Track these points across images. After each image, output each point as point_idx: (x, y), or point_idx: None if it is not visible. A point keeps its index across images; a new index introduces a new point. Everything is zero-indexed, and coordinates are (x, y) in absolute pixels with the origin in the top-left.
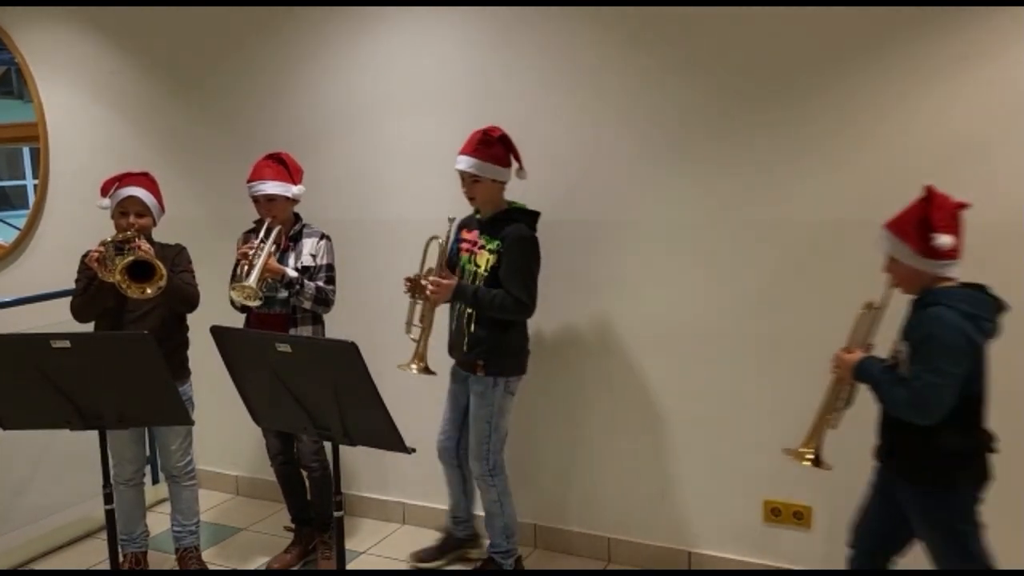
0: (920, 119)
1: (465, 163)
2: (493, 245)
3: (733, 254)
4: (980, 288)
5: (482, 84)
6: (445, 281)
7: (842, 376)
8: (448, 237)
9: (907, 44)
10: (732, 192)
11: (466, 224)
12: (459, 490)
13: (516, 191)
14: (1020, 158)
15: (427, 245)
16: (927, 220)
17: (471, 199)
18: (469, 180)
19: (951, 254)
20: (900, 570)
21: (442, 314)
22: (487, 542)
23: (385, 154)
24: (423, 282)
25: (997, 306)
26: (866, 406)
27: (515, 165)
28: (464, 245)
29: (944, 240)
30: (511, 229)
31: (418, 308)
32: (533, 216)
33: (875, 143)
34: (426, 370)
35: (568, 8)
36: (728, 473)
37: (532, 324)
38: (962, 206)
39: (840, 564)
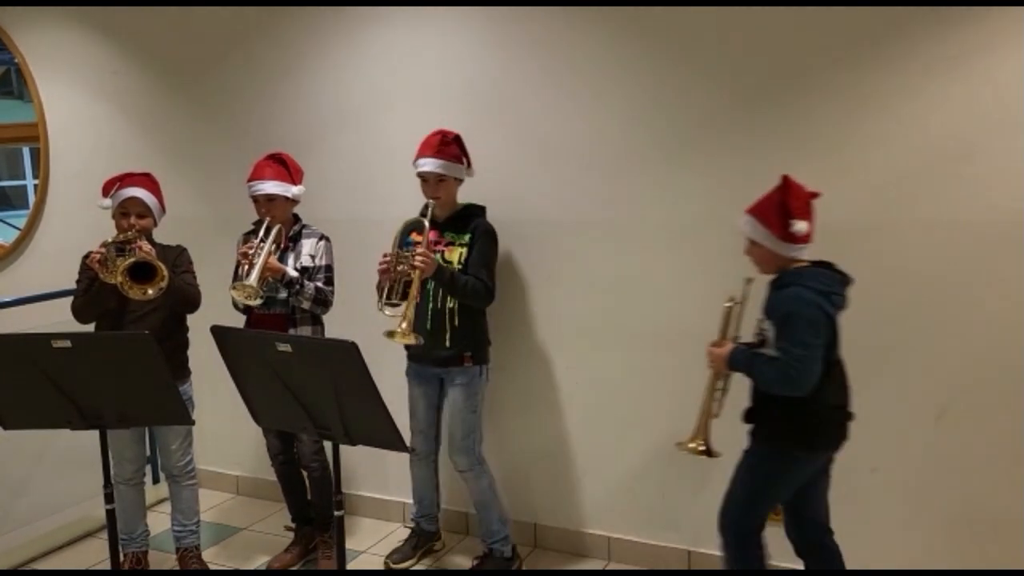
0: (916, 118)
1: (432, 164)
2: (464, 239)
3: (734, 252)
4: (828, 266)
5: (482, 84)
6: (431, 255)
7: (718, 369)
8: (428, 214)
9: (902, 43)
10: (731, 190)
11: (415, 227)
12: (432, 486)
13: (517, 189)
14: (1012, 157)
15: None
16: (786, 207)
17: (435, 199)
18: (435, 180)
19: (805, 239)
20: (899, 570)
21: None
22: (479, 539)
23: (385, 154)
24: (403, 268)
25: (844, 281)
26: (876, 413)
27: (465, 163)
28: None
29: (801, 226)
30: (479, 222)
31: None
32: (484, 211)
33: (872, 142)
34: (414, 334)
35: (568, 8)
36: (728, 472)
37: (528, 321)
38: (814, 195)
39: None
